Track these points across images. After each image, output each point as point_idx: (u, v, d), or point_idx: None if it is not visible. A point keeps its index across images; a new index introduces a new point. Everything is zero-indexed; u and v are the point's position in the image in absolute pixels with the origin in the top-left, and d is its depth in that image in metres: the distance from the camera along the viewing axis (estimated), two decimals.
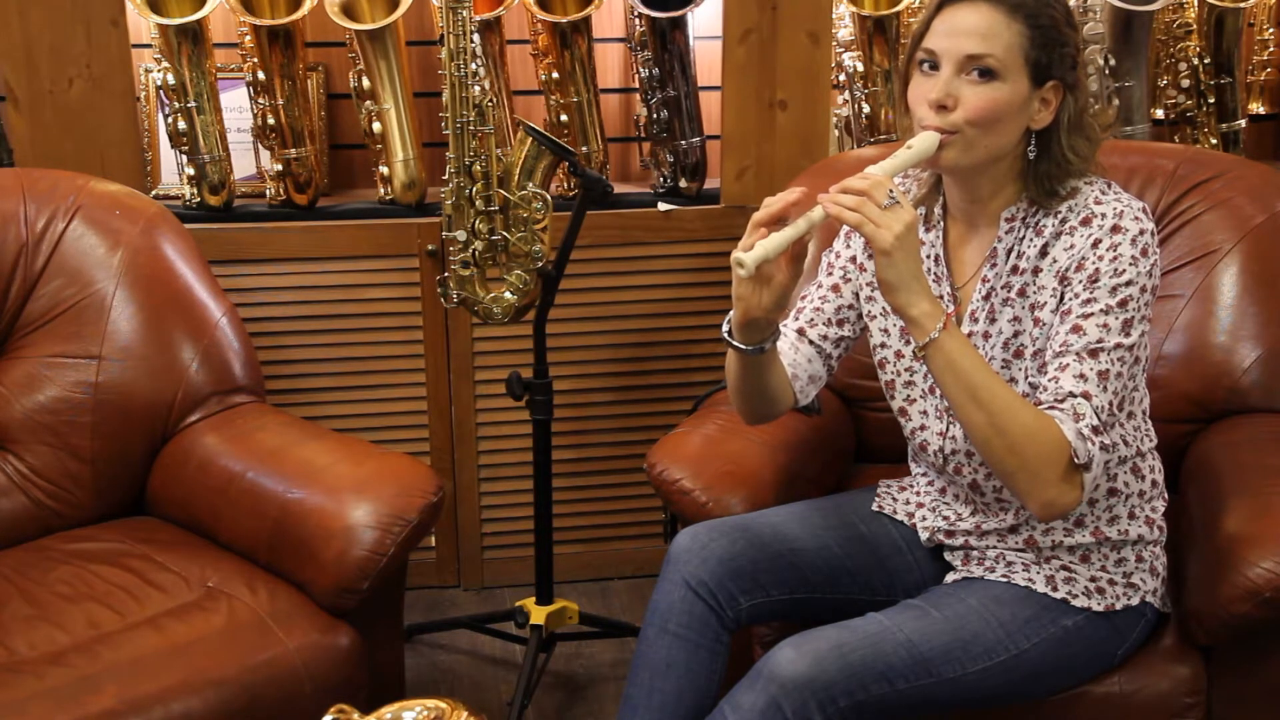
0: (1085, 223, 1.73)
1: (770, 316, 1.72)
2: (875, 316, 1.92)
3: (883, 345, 1.92)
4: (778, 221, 1.65)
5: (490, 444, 2.86)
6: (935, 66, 1.70)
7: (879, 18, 2.81)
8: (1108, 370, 1.68)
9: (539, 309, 2.44)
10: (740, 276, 1.66)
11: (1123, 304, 1.69)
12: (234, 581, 2.02)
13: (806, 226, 1.64)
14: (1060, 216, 1.75)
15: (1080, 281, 1.71)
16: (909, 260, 1.64)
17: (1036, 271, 1.77)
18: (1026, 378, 1.79)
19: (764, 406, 1.88)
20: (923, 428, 1.90)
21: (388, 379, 2.80)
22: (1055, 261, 1.75)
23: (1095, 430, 1.66)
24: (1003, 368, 1.81)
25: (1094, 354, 1.68)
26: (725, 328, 1.79)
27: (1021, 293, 1.79)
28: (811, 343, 1.93)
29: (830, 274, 1.95)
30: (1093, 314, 1.69)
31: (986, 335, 1.82)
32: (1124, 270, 1.69)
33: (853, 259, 1.94)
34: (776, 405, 1.89)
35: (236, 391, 2.34)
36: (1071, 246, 1.73)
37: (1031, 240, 1.77)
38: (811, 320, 1.94)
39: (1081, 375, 1.68)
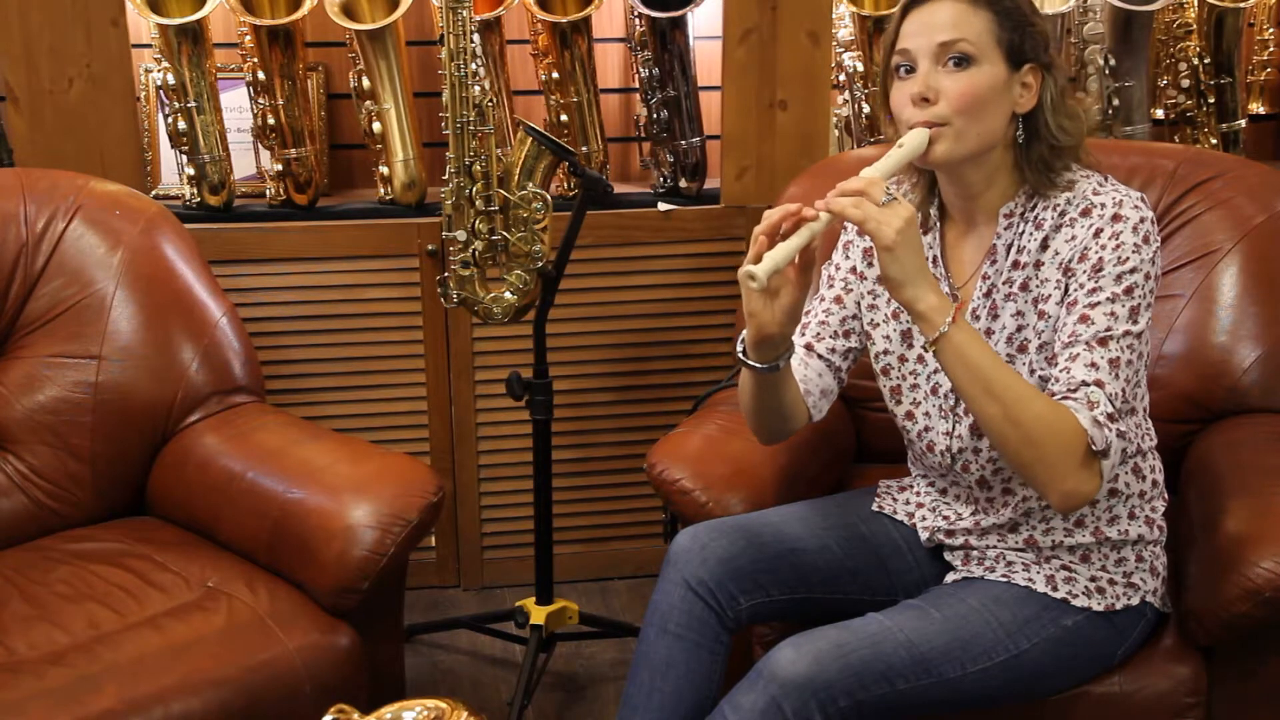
0: (1085, 214, 1.74)
1: (784, 331, 1.72)
2: (878, 324, 1.92)
3: (885, 352, 1.92)
4: (780, 233, 1.65)
5: (490, 444, 2.86)
6: (911, 69, 1.72)
7: (879, 18, 2.81)
8: (1118, 358, 1.68)
9: (539, 309, 2.44)
10: (752, 290, 1.64)
11: (1128, 291, 1.69)
12: (234, 581, 2.02)
13: (810, 235, 1.63)
14: (1059, 209, 1.76)
15: (1085, 271, 1.71)
16: (912, 254, 1.64)
17: (1038, 265, 1.77)
18: (1032, 372, 1.79)
19: (780, 424, 1.88)
20: (929, 429, 1.90)
21: (388, 379, 2.80)
22: (1057, 253, 1.75)
23: (1110, 417, 1.66)
24: (1007, 362, 1.80)
25: (1103, 342, 1.69)
26: (739, 348, 1.79)
27: (1024, 286, 1.79)
28: (820, 356, 1.93)
29: (831, 286, 1.95)
30: (1099, 303, 1.69)
31: (989, 332, 1.82)
32: (1127, 258, 1.70)
33: (852, 269, 1.94)
34: (791, 422, 1.88)
35: (236, 391, 2.34)
36: (1073, 238, 1.74)
37: (1031, 234, 1.78)
38: (818, 334, 1.94)
39: (1093, 364, 1.68)
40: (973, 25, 1.70)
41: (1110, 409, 1.66)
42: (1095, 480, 1.67)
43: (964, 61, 1.70)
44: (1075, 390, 1.67)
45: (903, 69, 1.73)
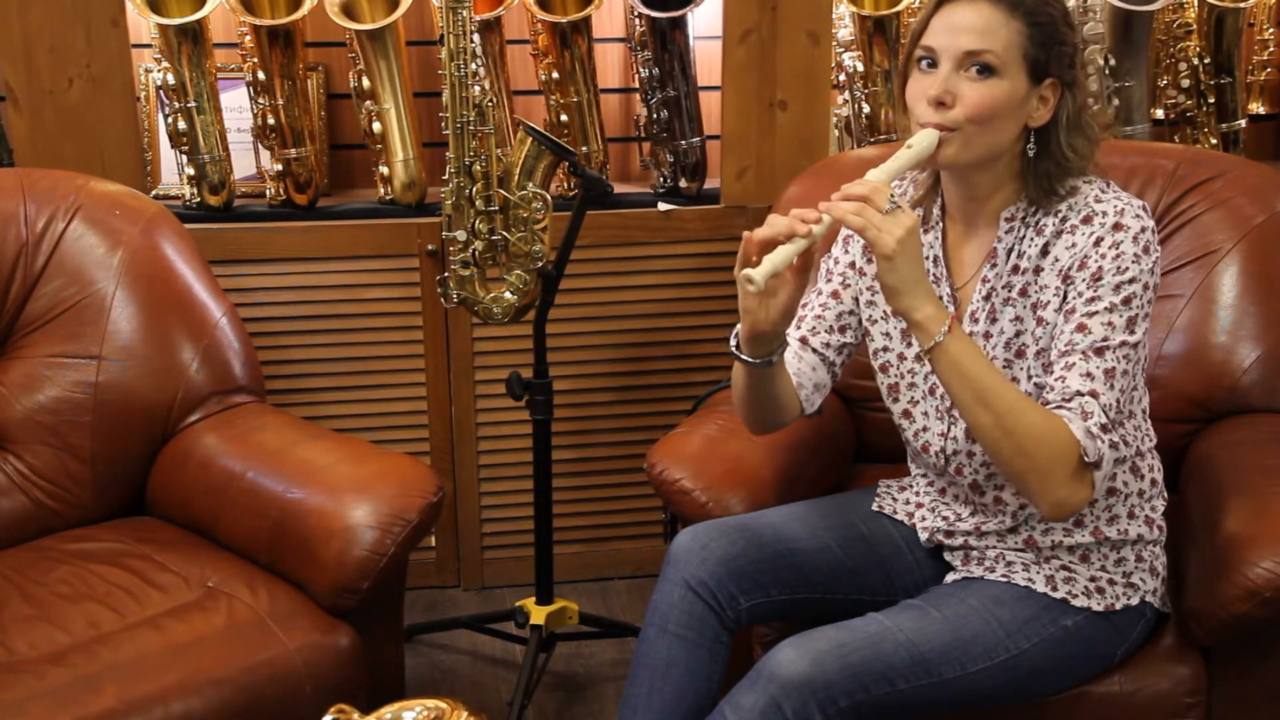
0: (1086, 221, 1.73)
1: (778, 328, 1.72)
2: (876, 320, 1.92)
3: (884, 349, 1.92)
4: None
5: (490, 444, 2.86)
6: (934, 64, 1.71)
7: (879, 18, 2.81)
8: (1114, 368, 1.68)
9: (539, 309, 2.44)
10: (749, 292, 1.66)
11: (1126, 301, 1.69)
12: (234, 581, 2.02)
13: (810, 241, 1.63)
14: (1061, 215, 1.76)
15: (1084, 280, 1.71)
16: (911, 264, 1.64)
17: (1038, 270, 1.77)
18: (1030, 377, 1.79)
19: (772, 417, 1.88)
20: (925, 429, 1.90)
21: (388, 379, 2.80)
22: (1057, 260, 1.75)
23: (1103, 428, 1.66)
24: (1005, 367, 1.80)
25: (1100, 352, 1.69)
26: (733, 342, 1.79)
27: (1023, 292, 1.79)
28: (815, 351, 1.93)
29: (830, 280, 1.95)
30: (1097, 312, 1.69)
31: (988, 335, 1.82)
32: (1127, 268, 1.70)
33: (851, 264, 1.94)
34: (783, 415, 1.89)
35: (236, 391, 2.33)
36: (1073, 245, 1.73)
37: (1032, 239, 1.78)
38: (814, 328, 1.94)
39: (1088, 374, 1.68)
40: (1001, 36, 1.68)
41: (1104, 419, 1.66)
42: (1086, 491, 1.67)
43: (986, 71, 1.68)
44: (1070, 400, 1.67)
45: (924, 62, 1.72)
